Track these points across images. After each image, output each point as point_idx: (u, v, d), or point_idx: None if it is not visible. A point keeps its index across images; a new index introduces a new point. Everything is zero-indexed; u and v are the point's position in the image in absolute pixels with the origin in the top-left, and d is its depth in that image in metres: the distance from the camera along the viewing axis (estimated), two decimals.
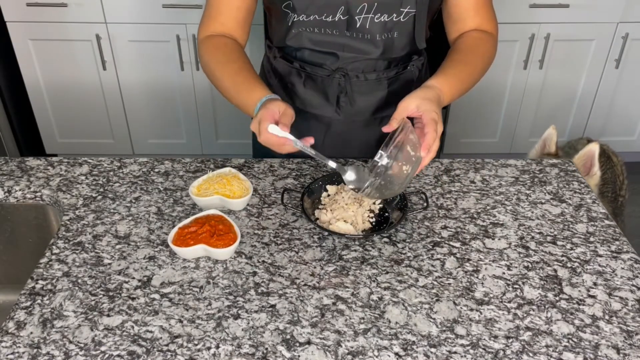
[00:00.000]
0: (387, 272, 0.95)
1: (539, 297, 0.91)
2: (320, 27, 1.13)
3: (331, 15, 1.10)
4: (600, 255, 1.00)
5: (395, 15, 1.10)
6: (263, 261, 0.97)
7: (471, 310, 0.89)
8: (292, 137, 0.96)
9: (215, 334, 0.84)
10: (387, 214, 1.08)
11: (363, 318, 0.87)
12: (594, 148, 1.55)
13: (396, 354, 0.82)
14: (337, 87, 1.19)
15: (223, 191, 1.07)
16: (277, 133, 0.95)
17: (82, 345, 0.82)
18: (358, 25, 1.11)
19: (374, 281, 0.94)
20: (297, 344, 0.83)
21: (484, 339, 0.84)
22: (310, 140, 0.99)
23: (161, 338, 0.83)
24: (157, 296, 0.90)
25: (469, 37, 1.19)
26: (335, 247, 1.00)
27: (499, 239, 1.04)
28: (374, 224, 1.07)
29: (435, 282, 0.94)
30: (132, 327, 0.85)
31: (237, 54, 1.16)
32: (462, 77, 1.11)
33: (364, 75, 1.18)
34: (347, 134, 1.23)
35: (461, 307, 0.89)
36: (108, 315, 0.87)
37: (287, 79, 1.23)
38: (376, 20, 1.11)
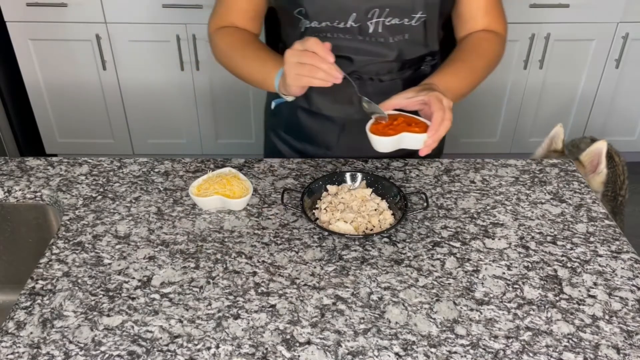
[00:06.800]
0: (387, 272, 0.95)
1: (539, 297, 0.91)
2: (333, 32, 1.13)
3: (343, 22, 1.11)
4: (601, 255, 1.00)
5: (406, 19, 1.11)
6: (263, 261, 0.97)
7: (471, 310, 0.89)
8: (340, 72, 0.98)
9: (215, 334, 0.84)
10: None
11: (363, 318, 0.87)
12: (601, 146, 1.59)
13: (396, 354, 0.82)
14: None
15: (223, 191, 1.07)
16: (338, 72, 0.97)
17: (82, 345, 0.82)
18: (370, 30, 1.12)
19: (374, 281, 0.93)
20: (297, 344, 0.83)
21: (484, 339, 0.84)
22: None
23: (161, 338, 0.83)
24: (157, 296, 0.90)
25: (474, 36, 1.19)
26: (335, 247, 1.00)
27: (499, 239, 1.04)
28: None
29: (435, 282, 0.94)
30: (132, 327, 0.85)
31: (254, 37, 1.19)
32: (460, 75, 1.12)
33: (378, 77, 1.18)
34: (361, 134, 1.23)
35: (461, 307, 0.89)
36: (108, 315, 0.87)
37: None
38: (387, 24, 1.11)
